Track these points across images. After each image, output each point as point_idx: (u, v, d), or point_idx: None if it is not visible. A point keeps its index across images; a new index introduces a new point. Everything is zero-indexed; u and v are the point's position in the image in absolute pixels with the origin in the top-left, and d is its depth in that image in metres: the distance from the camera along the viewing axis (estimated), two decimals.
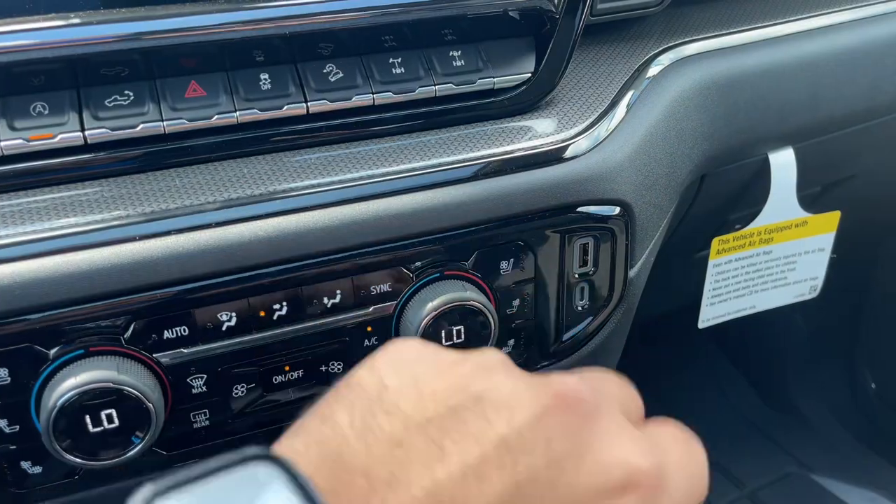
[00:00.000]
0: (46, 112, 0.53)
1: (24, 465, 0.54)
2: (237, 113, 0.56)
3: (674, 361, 1.59)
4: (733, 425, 1.54)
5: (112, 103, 0.54)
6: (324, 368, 0.60)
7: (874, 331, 1.50)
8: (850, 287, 1.42)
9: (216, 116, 0.56)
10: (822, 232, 0.95)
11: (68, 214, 0.52)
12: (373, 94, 0.60)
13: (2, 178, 0.53)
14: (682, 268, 1.00)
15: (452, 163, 0.60)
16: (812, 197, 1.01)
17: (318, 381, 0.60)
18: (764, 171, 0.86)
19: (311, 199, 0.56)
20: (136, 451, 0.53)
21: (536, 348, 0.68)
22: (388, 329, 0.60)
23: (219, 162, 0.58)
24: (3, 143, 0.52)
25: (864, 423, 1.51)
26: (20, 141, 0.52)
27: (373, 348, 0.60)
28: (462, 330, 0.59)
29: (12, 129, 0.52)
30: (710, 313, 0.95)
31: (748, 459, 1.46)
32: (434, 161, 0.60)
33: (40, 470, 0.55)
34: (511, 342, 0.66)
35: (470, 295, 0.59)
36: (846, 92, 0.85)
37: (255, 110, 0.57)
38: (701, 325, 0.95)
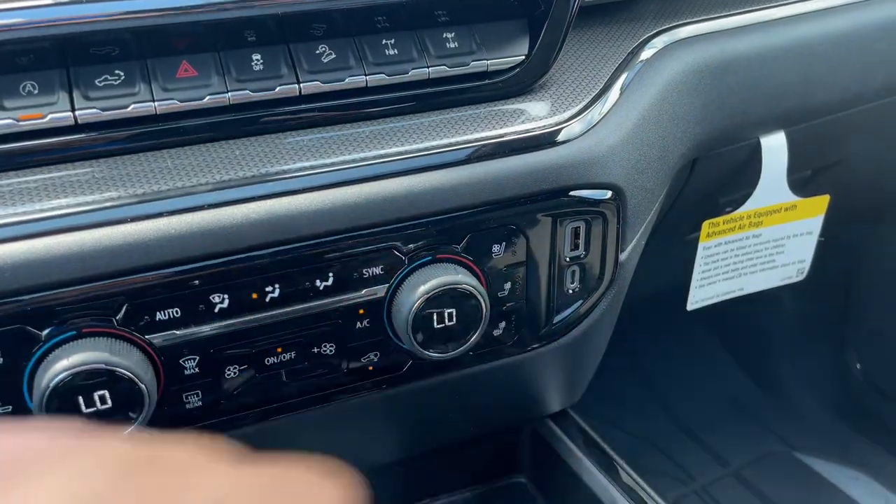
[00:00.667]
0: (36, 92, 0.52)
1: None
2: (229, 94, 0.56)
3: (662, 343, 1.60)
4: (719, 404, 1.56)
5: (103, 83, 0.54)
6: (316, 350, 0.60)
7: (861, 313, 1.51)
8: (838, 270, 1.43)
9: (208, 97, 0.56)
10: (811, 215, 0.95)
11: (59, 195, 0.52)
12: (365, 75, 0.59)
13: None
14: (672, 250, 1.00)
15: (445, 146, 0.60)
16: (802, 180, 1.01)
17: (310, 363, 0.61)
18: (755, 154, 0.86)
19: (303, 181, 0.56)
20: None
21: (527, 330, 0.68)
22: (379, 311, 0.60)
23: (210, 143, 0.57)
24: None
25: (850, 403, 1.53)
26: (10, 121, 0.52)
27: (364, 330, 0.61)
28: (454, 313, 0.59)
29: (2, 108, 0.52)
30: (699, 295, 0.96)
31: (733, 438, 1.47)
32: (426, 144, 0.60)
33: None
34: (502, 324, 0.67)
35: (462, 278, 0.59)
36: (839, 76, 0.86)
37: (247, 91, 0.56)
38: (690, 306, 0.96)
